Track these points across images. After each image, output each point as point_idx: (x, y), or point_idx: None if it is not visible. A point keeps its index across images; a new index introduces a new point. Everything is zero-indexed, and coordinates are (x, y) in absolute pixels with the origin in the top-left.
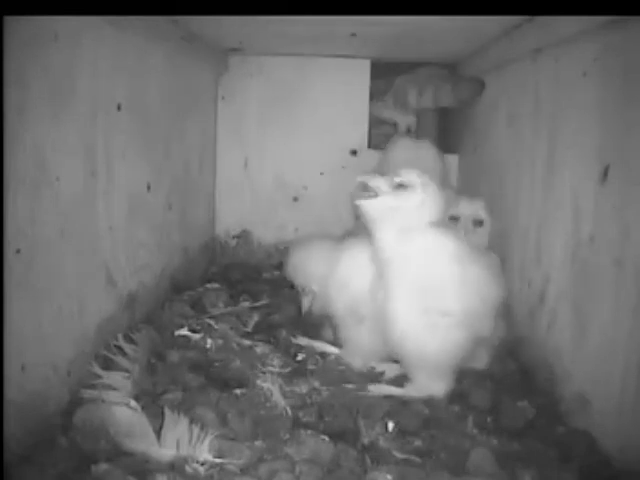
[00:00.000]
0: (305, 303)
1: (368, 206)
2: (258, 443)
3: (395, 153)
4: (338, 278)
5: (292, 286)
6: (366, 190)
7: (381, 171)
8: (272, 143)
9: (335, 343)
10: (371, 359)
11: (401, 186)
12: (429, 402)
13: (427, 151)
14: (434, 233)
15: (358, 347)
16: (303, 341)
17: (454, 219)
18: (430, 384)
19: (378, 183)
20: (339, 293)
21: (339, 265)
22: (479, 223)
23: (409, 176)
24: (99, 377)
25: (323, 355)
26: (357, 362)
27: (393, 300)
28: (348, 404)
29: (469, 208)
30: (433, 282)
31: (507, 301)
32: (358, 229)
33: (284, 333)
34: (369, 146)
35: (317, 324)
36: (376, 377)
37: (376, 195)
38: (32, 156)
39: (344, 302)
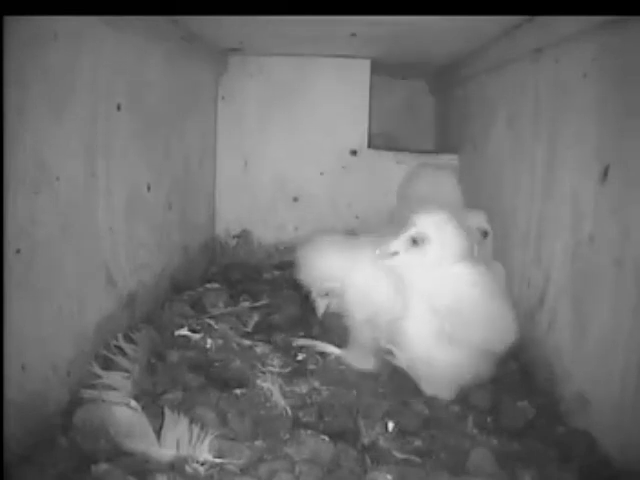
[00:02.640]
0: (321, 306)
1: (390, 265)
2: (258, 443)
3: (416, 183)
4: (356, 289)
5: (294, 287)
6: (386, 251)
7: (402, 199)
8: (272, 143)
9: (340, 344)
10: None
11: (416, 241)
12: (429, 402)
13: (447, 181)
14: (460, 268)
15: (369, 350)
16: (303, 341)
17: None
18: (435, 392)
19: (395, 246)
20: (358, 303)
21: (357, 275)
22: (484, 234)
23: (424, 228)
24: (99, 377)
25: (323, 355)
26: (363, 363)
27: (411, 325)
28: (348, 404)
29: (474, 220)
30: (455, 314)
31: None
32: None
33: (282, 335)
34: (369, 146)
35: (331, 326)
36: (376, 377)
37: (395, 254)
38: (32, 156)
39: (363, 312)
